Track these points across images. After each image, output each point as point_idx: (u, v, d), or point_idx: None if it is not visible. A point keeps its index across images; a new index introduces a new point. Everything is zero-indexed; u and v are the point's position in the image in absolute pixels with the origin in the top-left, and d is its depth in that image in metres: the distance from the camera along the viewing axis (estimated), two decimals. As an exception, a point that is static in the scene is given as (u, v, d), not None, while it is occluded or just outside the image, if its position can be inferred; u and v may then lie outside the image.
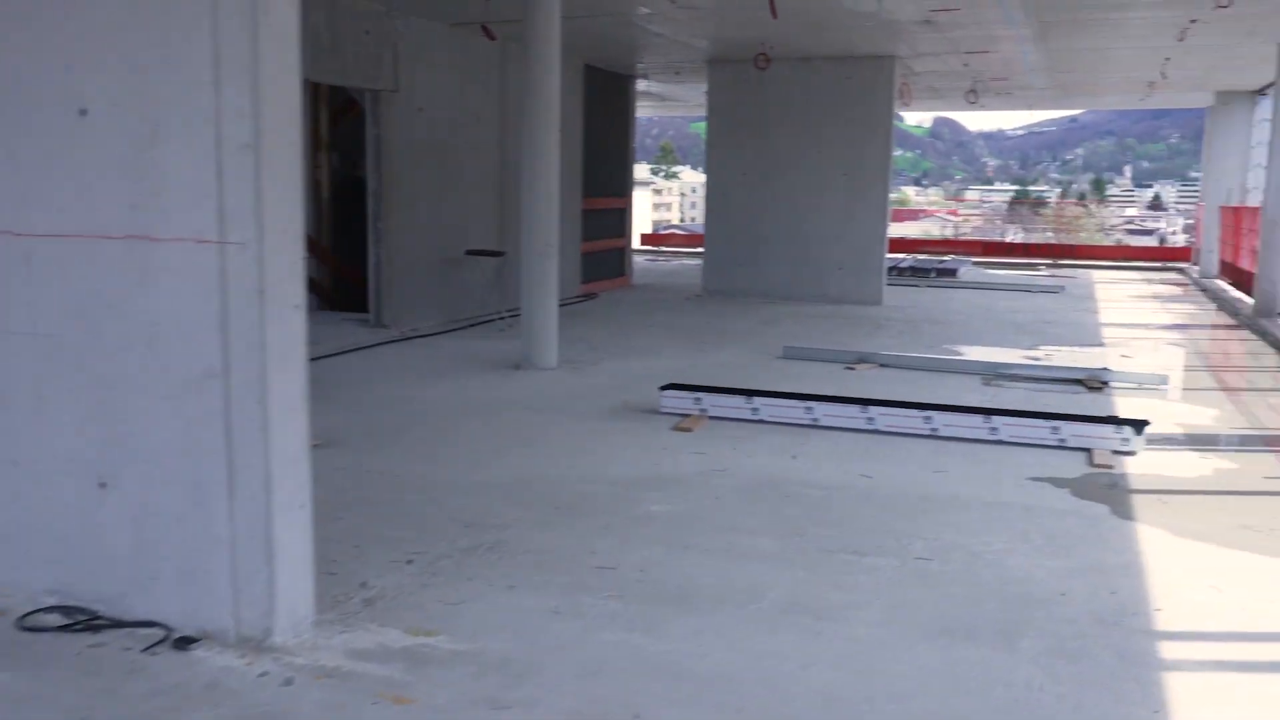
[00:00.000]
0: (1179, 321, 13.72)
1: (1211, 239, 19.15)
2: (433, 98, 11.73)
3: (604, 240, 16.35)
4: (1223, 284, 17.80)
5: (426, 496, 5.48)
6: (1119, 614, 4.05)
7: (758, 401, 7.28)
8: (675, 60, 15.20)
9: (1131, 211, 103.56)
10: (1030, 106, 21.76)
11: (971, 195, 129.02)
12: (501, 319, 11.93)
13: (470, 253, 12.22)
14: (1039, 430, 6.67)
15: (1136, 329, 12.78)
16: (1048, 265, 23.30)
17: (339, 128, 12.64)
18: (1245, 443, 7.05)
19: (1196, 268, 20.76)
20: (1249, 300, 14.80)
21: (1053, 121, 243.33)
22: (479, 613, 3.98)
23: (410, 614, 3.95)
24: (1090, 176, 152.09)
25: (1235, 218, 17.57)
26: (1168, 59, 14.18)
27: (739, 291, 15.28)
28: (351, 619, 3.88)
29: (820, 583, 4.34)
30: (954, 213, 77.18)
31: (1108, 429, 6.58)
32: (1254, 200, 18.24)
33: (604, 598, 4.13)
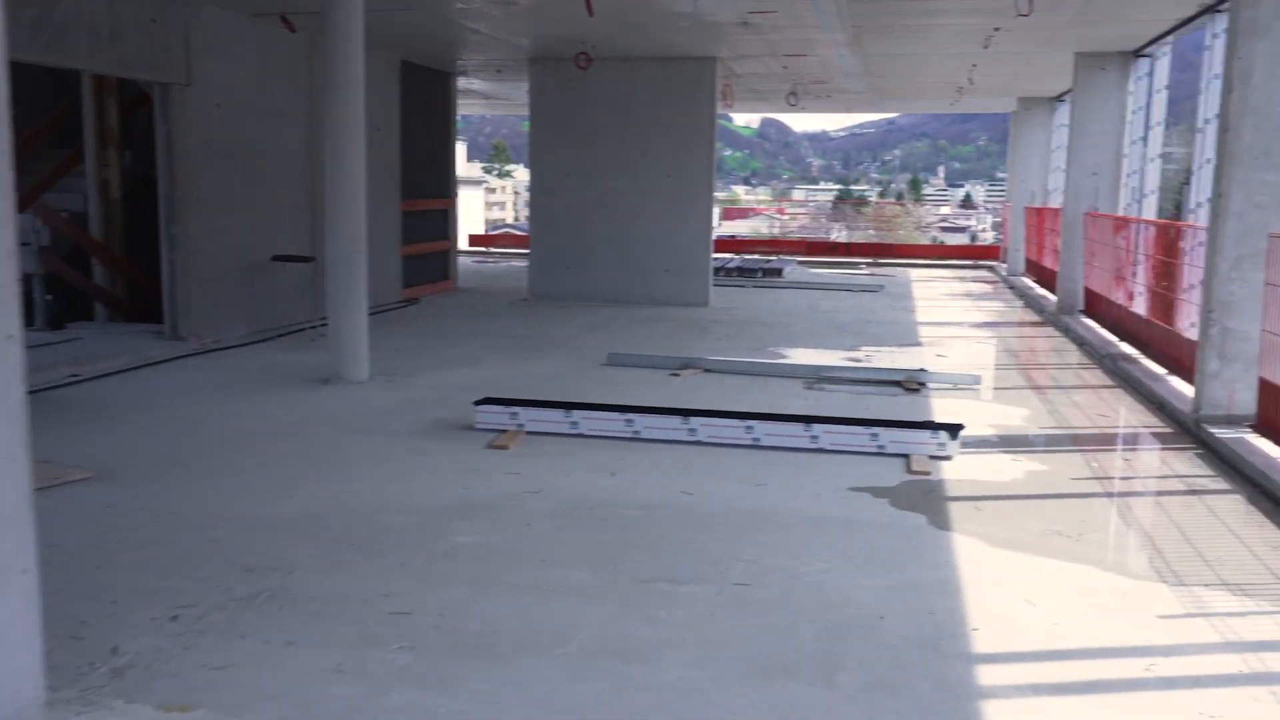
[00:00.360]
0: (989, 319, 14.22)
1: (1018, 238, 20.09)
2: (232, 92, 10.93)
3: (426, 243, 15.77)
4: (1029, 282, 18.66)
5: (205, 536, 4.93)
6: (937, 637, 3.93)
7: (577, 415, 6.98)
8: (496, 58, 14.77)
9: (945, 210, 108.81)
10: (849, 109, 22.31)
11: (798, 194, 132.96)
12: (313, 328, 11.25)
13: (277, 258, 11.47)
14: (858, 437, 6.62)
15: (951, 327, 13.15)
16: (869, 264, 23.98)
17: (132, 123, 11.65)
18: (1053, 443, 7.20)
19: (1005, 266, 21.73)
20: (1053, 298, 15.50)
21: (872, 124, 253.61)
22: (248, 678, 3.52)
23: (166, 684, 3.45)
24: (908, 176, 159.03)
25: (1039, 218, 18.45)
26: (974, 65, 14.68)
27: (566, 295, 14.99)
28: (94, 695, 3.36)
29: (633, 618, 4.06)
30: (781, 211, 79.20)
31: (924, 434, 6.58)
32: (1055, 201, 19.19)
33: (395, 650, 3.73)
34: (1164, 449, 7.12)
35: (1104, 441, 7.37)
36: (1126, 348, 10.82)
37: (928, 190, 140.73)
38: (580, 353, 10.43)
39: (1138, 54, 13.04)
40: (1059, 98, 19.16)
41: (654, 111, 14.46)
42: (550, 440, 6.84)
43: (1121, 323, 11.49)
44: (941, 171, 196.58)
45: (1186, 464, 6.61)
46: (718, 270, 18.90)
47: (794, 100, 17.20)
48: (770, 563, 4.68)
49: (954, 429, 6.59)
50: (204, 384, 8.66)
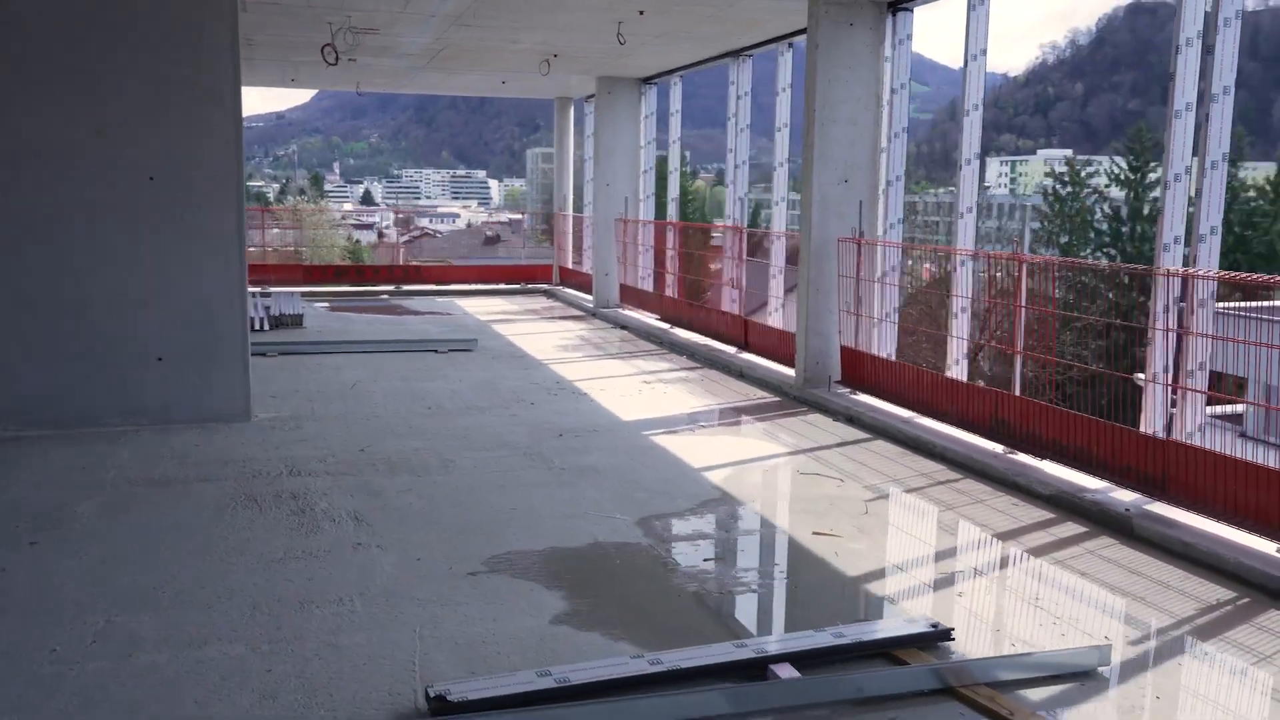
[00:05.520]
0: (712, 402, 9.37)
1: (606, 260, 15.56)
2: None
3: None
4: (645, 319, 14.11)
5: None
6: None
7: None
8: None
9: (349, 207, 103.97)
10: (391, 86, 16.44)
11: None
12: None
13: None
14: None
15: (683, 431, 8.14)
16: (390, 291, 18.18)
17: None
18: None
19: (574, 293, 17.35)
20: (732, 351, 11.19)
21: (260, 117, 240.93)
22: None
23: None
24: (306, 173, 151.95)
25: (656, 237, 14.01)
26: (641, 12, 9.76)
27: (-57, 418, 7.35)
28: None
29: None
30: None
31: None
32: (648, 211, 15.11)
33: None
34: None
35: None
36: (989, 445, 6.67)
37: (328, 187, 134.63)
38: None
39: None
40: (648, 80, 15.03)
41: (116, 56, 7.45)
42: None
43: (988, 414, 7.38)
44: (337, 168, 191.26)
45: None
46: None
47: (333, 58, 10.81)
48: None
49: None
50: None
